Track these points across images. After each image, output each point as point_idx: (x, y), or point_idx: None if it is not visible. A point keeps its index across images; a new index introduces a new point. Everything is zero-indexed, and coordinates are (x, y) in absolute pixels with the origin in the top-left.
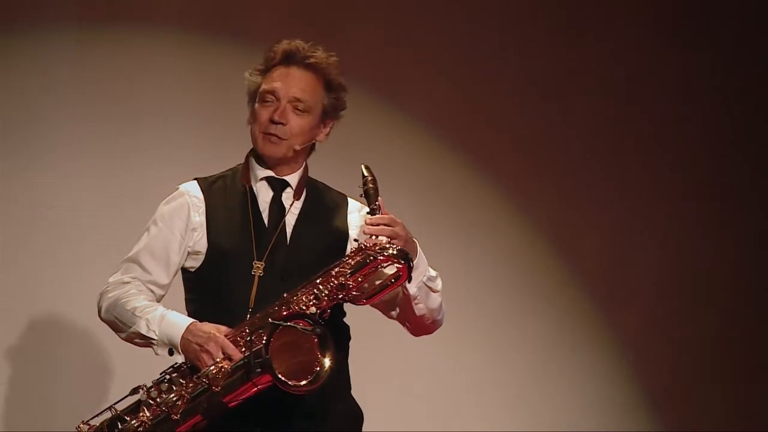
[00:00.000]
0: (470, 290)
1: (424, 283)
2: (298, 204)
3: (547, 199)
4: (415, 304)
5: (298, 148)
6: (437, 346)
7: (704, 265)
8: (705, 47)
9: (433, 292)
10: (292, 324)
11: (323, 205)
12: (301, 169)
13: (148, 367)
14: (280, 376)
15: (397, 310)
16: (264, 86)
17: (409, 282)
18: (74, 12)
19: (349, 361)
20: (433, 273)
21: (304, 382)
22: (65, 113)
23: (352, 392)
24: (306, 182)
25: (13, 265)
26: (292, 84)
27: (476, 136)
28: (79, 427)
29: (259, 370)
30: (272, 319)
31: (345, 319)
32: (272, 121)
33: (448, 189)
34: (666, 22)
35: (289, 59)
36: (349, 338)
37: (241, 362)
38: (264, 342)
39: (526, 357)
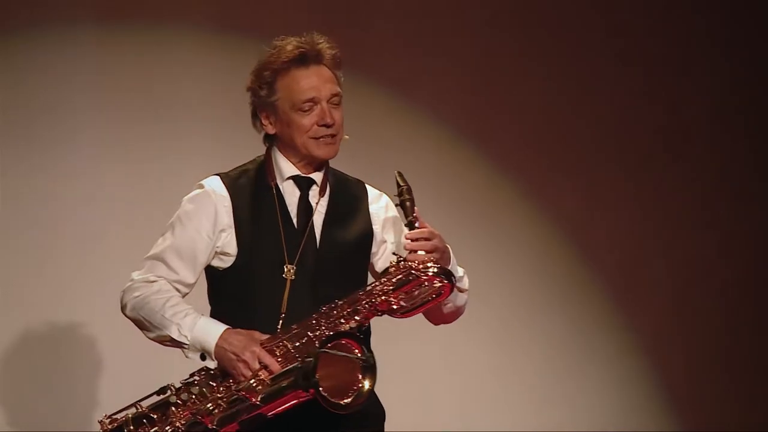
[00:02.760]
0: (485, 288)
1: (455, 285)
2: (324, 202)
3: (563, 197)
4: (444, 304)
5: (347, 137)
6: (450, 343)
7: (720, 264)
8: (730, 51)
9: (461, 292)
10: (344, 354)
11: (347, 201)
12: (326, 164)
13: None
14: (325, 395)
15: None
16: (297, 97)
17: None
18: (92, 11)
19: None
20: (460, 272)
21: (345, 401)
22: (85, 114)
23: None
24: (328, 176)
25: (34, 267)
26: (323, 84)
27: (494, 133)
28: (101, 421)
29: (306, 390)
30: (319, 344)
31: None
32: (324, 125)
33: (465, 186)
34: (693, 25)
35: (303, 60)
36: (369, 334)
37: (282, 376)
38: (312, 363)
39: (541, 355)
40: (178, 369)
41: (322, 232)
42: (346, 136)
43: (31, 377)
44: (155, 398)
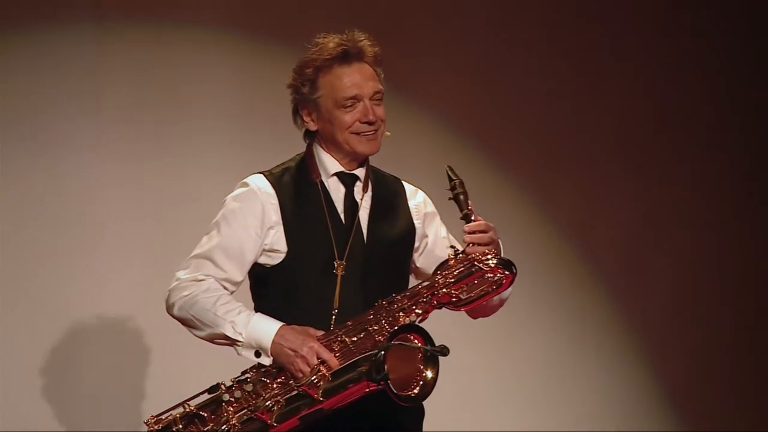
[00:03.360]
0: None
1: None
2: (367, 197)
3: (564, 196)
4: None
5: (388, 133)
6: (449, 342)
7: (722, 263)
8: (731, 49)
9: None
10: (413, 345)
11: (388, 196)
12: (367, 160)
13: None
14: (394, 389)
15: None
16: (340, 94)
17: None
18: (93, 11)
19: None
20: None
21: (414, 393)
22: (84, 114)
23: None
24: (370, 172)
25: (46, 265)
26: (365, 81)
27: (494, 133)
28: (147, 421)
29: (377, 383)
30: (381, 336)
31: None
32: (367, 122)
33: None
34: (694, 24)
35: (345, 57)
36: None
37: (343, 370)
38: (383, 356)
39: (539, 355)
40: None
41: (368, 227)
42: (388, 132)
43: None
44: (203, 397)
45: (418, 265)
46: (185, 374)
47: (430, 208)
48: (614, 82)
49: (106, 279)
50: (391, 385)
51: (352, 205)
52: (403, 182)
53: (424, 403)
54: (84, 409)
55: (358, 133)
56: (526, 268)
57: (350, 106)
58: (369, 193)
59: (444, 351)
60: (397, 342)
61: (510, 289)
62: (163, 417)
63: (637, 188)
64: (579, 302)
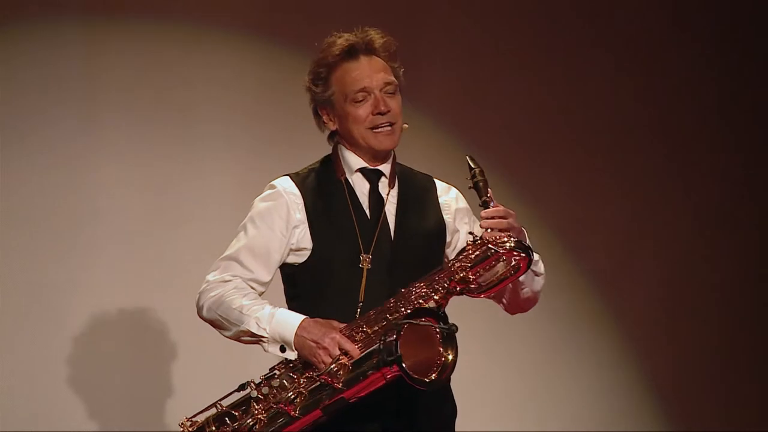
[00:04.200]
0: None
1: (531, 269)
2: (394, 192)
3: (553, 195)
4: (522, 289)
5: (406, 126)
6: None
7: (712, 262)
8: (716, 45)
9: (537, 275)
10: (427, 322)
11: (416, 191)
12: (392, 155)
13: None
14: (409, 372)
15: (505, 294)
16: (350, 88)
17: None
18: (79, 7)
19: None
20: (536, 257)
21: (432, 377)
22: (77, 112)
23: None
24: (396, 168)
25: (33, 265)
26: (375, 73)
27: (483, 131)
28: (182, 423)
29: (390, 365)
30: (399, 318)
31: None
32: (379, 114)
33: (453, 182)
34: (678, 19)
35: (352, 52)
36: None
37: (363, 359)
38: (394, 338)
39: (530, 355)
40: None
41: (395, 221)
42: (405, 125)
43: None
44: (234, 397)
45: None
46: (210, 375)
47: (462, 204)
48: (605, 82)
49: (105, 278)
50: (406, 368)
51: (377, 199)
52: (435, 179)
53: (458, 403)
54: (110, 408)
55: (373, 128)
56: None
57: (361, 99)
58: (396, 188)
59: (452, 328)
60: (404, 321)
61: (542, 281)
62: (197, 420)
63: (626, 188)
64: (568, 302)
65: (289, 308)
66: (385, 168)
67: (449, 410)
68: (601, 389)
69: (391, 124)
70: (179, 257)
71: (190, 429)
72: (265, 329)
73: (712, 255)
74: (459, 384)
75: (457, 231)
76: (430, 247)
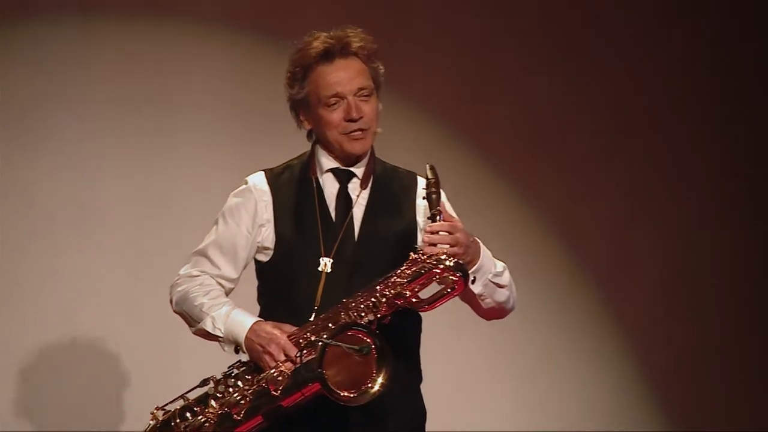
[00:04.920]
0: None
1: (490, 280)
2: (365, 194)
3: (552, 192)
4: (482, 300)
5: (379, 130)
6: (436, 339)
7: (710, 259)
8: (716, 41)
9: (500, 287)
10: (337, 343)
11: (391, 193)
12: (367, 156)
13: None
14: (332, 387)
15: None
16: (323, 92)
17: (469, 285)
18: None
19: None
20: (499, 268)
21: (353, 395)
22: (72, 108)
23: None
24: (374, 167)
25: (30, 263)
26: (349, 77)
27: (482, 128)
28: (153, 412)
29: (310, 382)
30: (326, 333)
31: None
32: (350, 120)
33: (453, 181)
34: (676, 15)
35: (328, 55)
36: (420, 330)
37: (301, 368)
38: (317, 356)
39: (528, 353)
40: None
41: (361, 224)
42: (379, 129)
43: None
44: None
45: None
46: (179, 369)
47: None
48: (603, 77)
49: (103, 277)
50: (329, 385)
51: (345, 201)
52: (420, 178)
53: (428, 404)
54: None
55: (346, 133)
56: (514, 263)
57: (334, 104)
58: (368, 189)
59: (363, 350)
60: (328, 342)
61: (506, 292)
62: (167, 409)
63: (625, 183)
64: (567, 299)
65: (260, 307)
66: (358, 169)
67: (414, 407)
68: (601, 389)
69: (363, 130)
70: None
71: (161, 419)
72: (219, 329)
73: (713, 254)
74: (457, 385)
75: None
76: (395, 253)
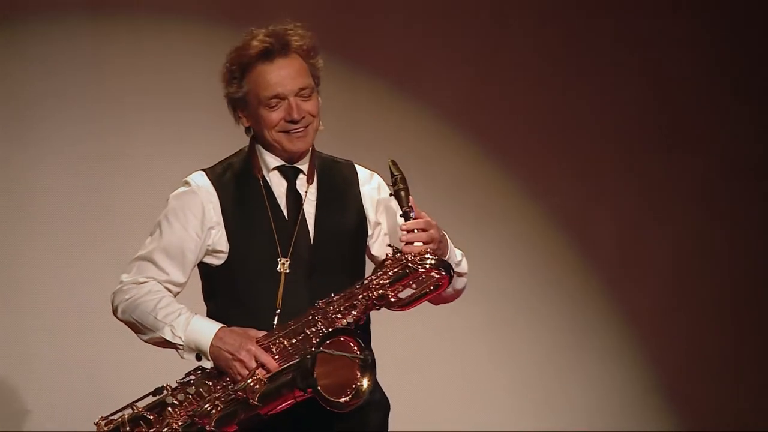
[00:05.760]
0: (481, 278)
1: (453, 271)
2: (313, 189)
3: (562, 191)
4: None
5: (321, 127)
6: (444, 339)
7: (720, 258)
8: (727, 43)
9: (461, 276)
10: (342, 353)
11: (336, 186)
12: (309, 151)
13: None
14: (324, 394)
15: None
16: (263, 93)
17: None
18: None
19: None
20: (458, 257)
21: (344, 399)
22: (76, 106)
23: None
24: (315, 162)
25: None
26: (289, 78)
27: (490, 124)
28: (97, 422)
29: (305, 390)
30: (316, 339)
31: None
32: (291, 121)
33: (461, 176)
34: (691, 15)
35: (268, 54)
36: (369, 322)
37: (279, 374)
38: (310, 364)
39: (536, 349)
40: (175, 368)
41: (314, 221)
42: (322, 127)
43: (23, 377)
44: (150, 399)
45: (373, 253)
46: (138, 374)
47: (385, 193)
48: (613, 73)
49: (104, 277)
50: (321, 391)
51: (295, 198)
52: (357, 167)
53: (390, 397)
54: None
55: (286, 132)
56: (522, 259)
57: (274, 105)
58: (314, 184)
59: (366, 358)
60: (321, 350)
61: (464, 279)
62: (113, 418)
63: (635, 180)
64: (577, 297)
65: (208, 309)
66: (303, 165)
67: (376, 400)
68: (610, 388)
69: (305, 128)
70: None
71: (105, 428)
72: (180, 337)
73: (723, 254)
74: (463, 382)
75: (379, 224)
76: (351, 247)
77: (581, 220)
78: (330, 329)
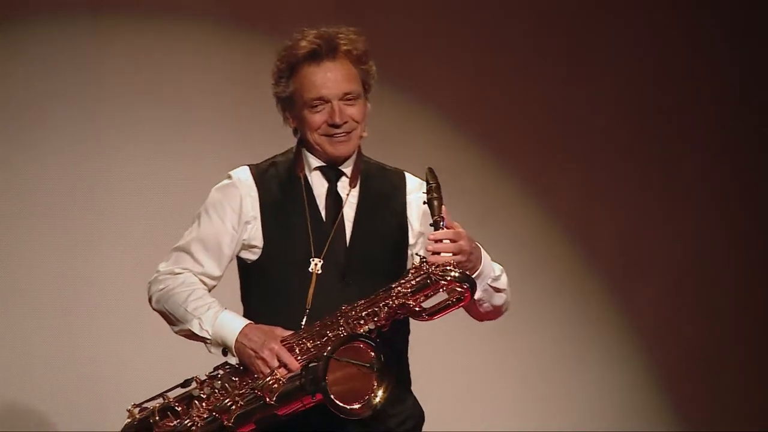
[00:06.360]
0: None
1: (489, 285)
2: (355, 192)
3: (564, 191)
4: (481, 305)
5: (365, 134)
6: (445, 340)
7: (723, 259)
8: (732, 40)
9: (498, 291)
10: (350, 360)
11: (381, 192)
12: (355, 154)
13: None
14: (335, 400)
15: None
16: (307, 94)
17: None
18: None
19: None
20: (497, 272)
21: (356, 406)
22: (77, 106)
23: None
24: (361, 166)
25: (28, 260)
26: (335, 81)
27: (494, 125)
28: (130, 409)
29: (314, 394)
30: (331, 347)
31: None
32: (333, 125)
33: (461, 176)
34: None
35: (315, 56)
36: (408, 331)
37: (297, 376)
38: (321, 368)
39: (539, 350)
40: (175, 368)
41: (353, 224)
42: (364, 133)
43: (24, 377)
44: (180, 391)
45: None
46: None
47: None
48: (616, 73)
49: (104, 277)
50: (332, 397)
51: (335, 200)
52: (408, 175)
53: (424, 406)
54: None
55: (328, 135)
56: (525, 261)
57: (317, 106)
58: (357, 188)
59: (373, 366)
60: (332, 356)
61: (504, 296)
62: (145, 406)
63: (636, 180)
64: (579, 298)
65: (244, 306)
66: (346, 168)
67: (408, 412)
68: (612, 389)
69: (347, 133)
70: None
71: (138, 416)
72: (207, 331)
73: (726, 254)
74: (466, 385)
75: (423, 233)
76: (388, 254)
77: (582, 219)
78: (346, 334)
